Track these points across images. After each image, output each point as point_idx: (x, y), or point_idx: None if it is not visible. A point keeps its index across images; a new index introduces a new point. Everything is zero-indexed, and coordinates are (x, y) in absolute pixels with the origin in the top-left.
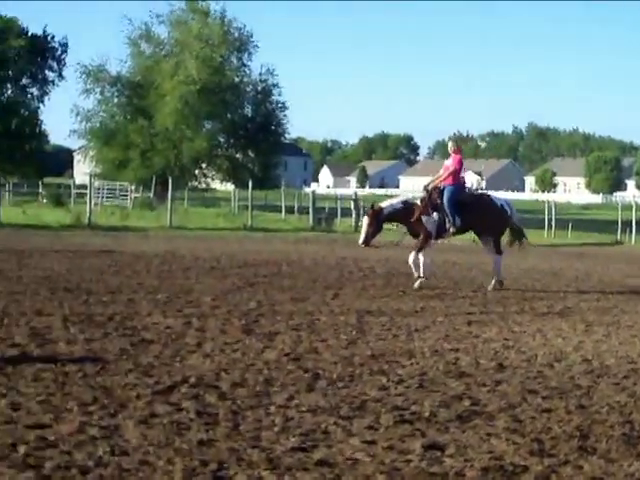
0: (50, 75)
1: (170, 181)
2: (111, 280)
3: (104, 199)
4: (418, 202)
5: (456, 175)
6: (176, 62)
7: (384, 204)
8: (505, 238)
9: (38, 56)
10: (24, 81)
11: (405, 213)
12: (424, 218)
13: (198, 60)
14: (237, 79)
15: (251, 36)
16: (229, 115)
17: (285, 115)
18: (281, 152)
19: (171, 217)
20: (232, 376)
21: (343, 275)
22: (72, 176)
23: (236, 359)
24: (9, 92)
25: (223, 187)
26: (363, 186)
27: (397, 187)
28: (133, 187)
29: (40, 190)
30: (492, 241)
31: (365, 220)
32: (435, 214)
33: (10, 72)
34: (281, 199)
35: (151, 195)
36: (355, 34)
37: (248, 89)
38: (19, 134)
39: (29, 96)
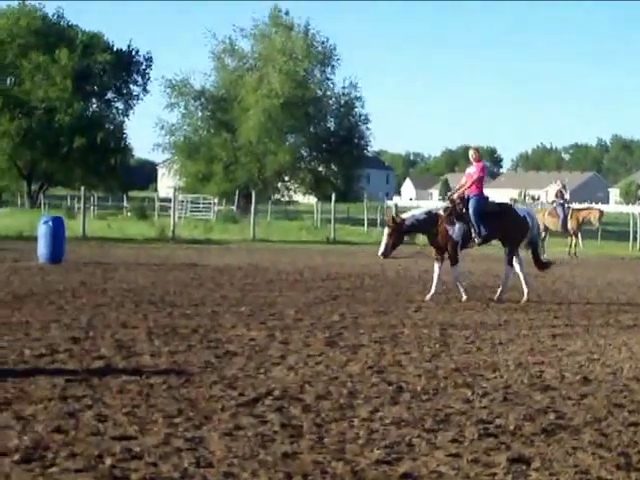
0: (135, 89)
1: (253, 194)
2: (195, 293)
3: (188, 212)
4: (441, 212)
5: (480, 183)
6: (259, 76)
7: (405, 215)
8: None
9: (123, 70)
10: (109, 95)
11: (428, 223)
12: (449, 228)
13: (281, 74)
14: (320, 92)
15: (334, 49)
16: (312, 128)
17: (368, 128)
18: (364, 165)
19: (254, 230)
20: (316, 389)
21: (426, 288)
22: (156, 189)
23: (320, 372)
24: (94, 106)
25: (306, 200)
26: (445, 199)
27: None
28: (216, 200)
29: (124, 203)
30: (507, 251)
31: (386, 231)
32: (460, 224)
33: (95, 87)
34: (364, 212)
35: (234, 208)
36: (436, 46)
37: (331, 102)
38: (104, 148)
39: (114, 110)
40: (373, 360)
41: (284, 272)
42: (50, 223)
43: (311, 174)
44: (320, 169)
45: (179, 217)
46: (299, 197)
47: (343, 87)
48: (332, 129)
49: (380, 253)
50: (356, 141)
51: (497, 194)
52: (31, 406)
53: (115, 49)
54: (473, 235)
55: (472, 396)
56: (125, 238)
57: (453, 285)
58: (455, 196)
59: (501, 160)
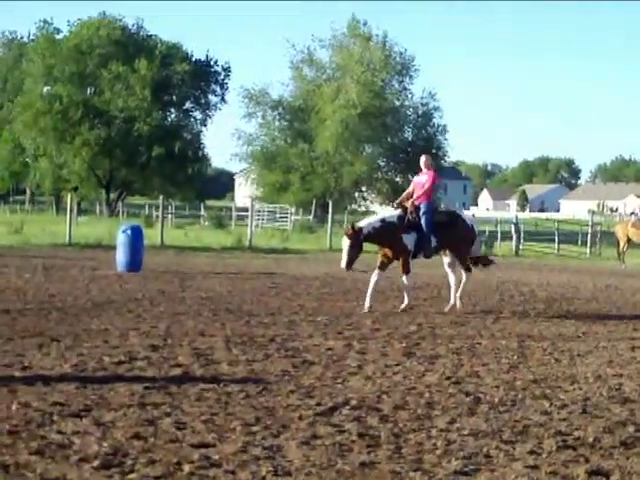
0: (213, 99)
1: (330, 204)
2: (272, 302)
3: (265, 221)
4: (396, 221)
5: (431, 192)
6: (337, 86)
7: (362, 223)
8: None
9: (201, 80)
10: (187, 105)
11: (385, 232)
12: (404, 237)
13: (359, 84)
14: (398, 103)
15: (412, 60)
16: (389, 139)
17: (445, 138)
18: (441, 176)
19: (331, 240)
20: (393, 399)
21: (503, 299)
22: (233, 199)
23: (397, 382)
24: (173, 116)
25: (383, 210)
26: (523, 210)
27: (557, 211)
28: (293, 210)
29: (202, 212)
30: (460, 259)
31: (345, 241)
32: (414, 233)
33: (174, 96)
34: None
35: (311, 218)
36: (515, 56)
37: (409, 112)
38: (182, 157)
39: (192, 120)
40: (451, 371)
41: (361, 282)
42: (129, 232)
43: (388, 184)
44: (397, 179)
45: (256, 226)
46: (376, 207)
47: (421, 97)
48: (409, 139)
49: (343, 266)
50: (434, 151)
51: (575, 206)
52: (110, 413)
53: (194, 59)
54: (426, 245)
55: (550, 408)
56: (202, 247)
57: (406, 293)
58: (408, 204)
59: (579, 172)
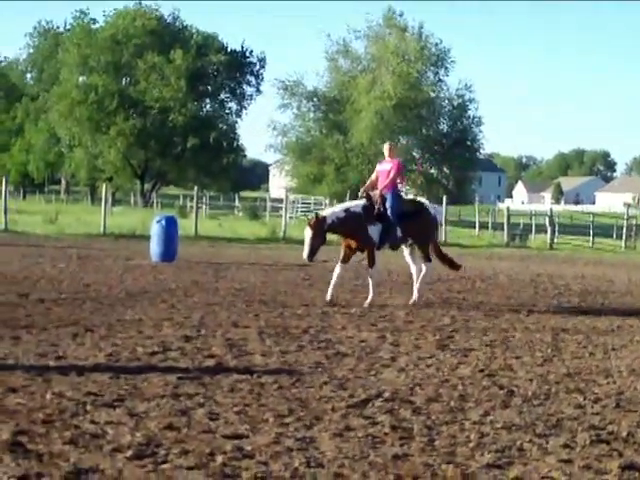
0: (248, 90)
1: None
2: (305, 293)
3: (299, 213)
4: (360, 211)
5: (396, 181)
6: (372, 77)
7: (325, 213)
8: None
9: (236, 71)
10: (222, 96)
11: (349, 222)
12: (370, 228)
13: (394, 76)
14: (433, 94)
15: (448, 51)
16: (424, 130)
17: (481, 130)
18: (476, 167)
19: None
20: (426, 391)
21: (538, 292)
22: (268, 190)
23: (430, 374)
24: (208, 107)
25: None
26: (558, 202)
27: (593, 203)
28: (327, 201)
29: (236, 203)
30: (422, 249)
31: (308, 231)
32: (380, 224)
33: (209, 87)
34: (475, 215)
35: None
36: (550, 48)
37: (444, 104)
38: (217, 148)
39: (227, 111)
40: (484, 363)
41: (394, 274)
42: (163, 222)
43: (423, 176)
44: (432, 171)
45: (290, 217)
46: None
47: (457, 89)
48: (444, 131)
49: (305, 256)
50: (469, 143)
51: (611, 198)
52: (144, 403)
53: (229, 50)
54: (392, 236)
55: (584, 402)
56: (236, 238)
57: (371, 286)
58: (373, 193)
59: (615, 164)
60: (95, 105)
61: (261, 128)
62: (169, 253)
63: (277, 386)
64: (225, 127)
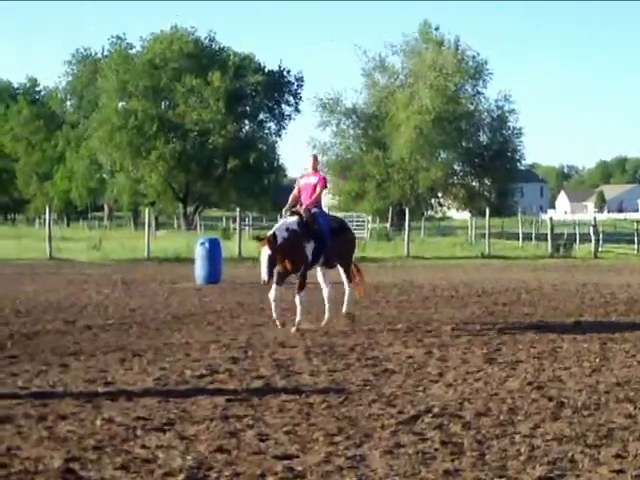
0: (287, 109)
1: (407, 211)
2: (350, 311)
3: None
4: (297, 228)
5: (322, 197)
6: (410, 92)
7: (273, 231)
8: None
9: (275, 91)
10: (261, 116)
11: (291, 242)
12: (306, 246)
13: (432, 89)
14: (472, 107)
15: (485, 63)
16: (464, 143)
17: (521, 141)
18: (517, 179)
19: (408, 247)
20: (475, 405)
21: (584, 302)
22: None
23: (479, 388)
24: (247, 127)
25: (459, 215)
26: (601, 211)
27: (636, 211)
28: (370, 218)
29: None
30: (345, 268)
31: (265, 252)
32: (313, 241)
33: (248, 108)
34: (518, 226)
35: (388, 225)
36: (589, 56)
37: (483, 116)
38: (257, 168)
39: (266, 131)
40: (532, 376)
41: (439, 288)
42: (207, 244)
43: (464, 189)
44: (473, 184)
45: None
46: (452, 213)
47: (496, 100)
48: (485, 143)
49: (265, 279)
50: (509, 154)
51: None
52: (193, 426)
53: (266, 70)
54: (324, 255)
55: (635, 411)
56: None
57: (300, 310)
58: (302, 210)
59: None
60: (135, 130)
61: (301, 146)
62: (214, 275)
63: (326, 405)
64: (265, 147)
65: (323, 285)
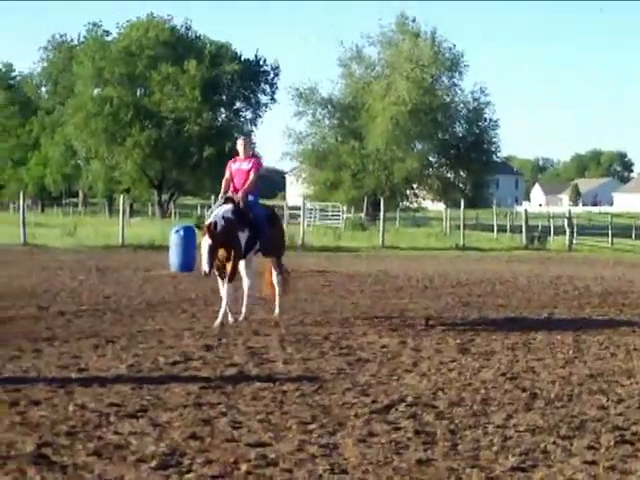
0: (263, 98)
1: (382, 201)
2: (325, 300)
3: (316, 220)
4: (232, 216)
5: (257, 183)
6: (387, 83)
7: (211, 220)
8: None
9: (251, 80)
10: (237, 105)
11: (227, 231)
12: (240, 235)
13: (409, 81)
14: (448, 99)
15: (462, 55)
16: (440, 135)
17: (497, 134)
18: (492, 171)
19: (383, 237)
20: (449, 395)
21: (558, 294)
22: (284, 197)
23: (453, 378)
24: (223, 116)
25: (434, 207)
26: (576, 204)
27: (610, 204)
28: (345, 208)
29: None
30: (277, 259)
31: (206, 241)
32: (247, 230)
33: (224, 96)
34: (493, 218)
35: (363, 215)
36: (564, 48)
37: (459, 108)
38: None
39: (242, 120)
40: (506, 366)
41: (414, 279)
42: (181, 232)
43: (439, 180)
44: (448, 175)
45: (308, 225)
46: (427, 204)
47: (472, 92)
48: (460, 135)
49: (206, 269)
50: (485, 147)
51: (629, 199)
52: (167, 413)
53: (243, 59)
54: (259, 244)
55: (607, 403)
56: None
57: (227, 304)
58: (237, 196)
59: (632, 164)
60: (110, 117)
61: (277, 136)
62: (188, 263)
63: (299, 393)
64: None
65: (244, 277)
